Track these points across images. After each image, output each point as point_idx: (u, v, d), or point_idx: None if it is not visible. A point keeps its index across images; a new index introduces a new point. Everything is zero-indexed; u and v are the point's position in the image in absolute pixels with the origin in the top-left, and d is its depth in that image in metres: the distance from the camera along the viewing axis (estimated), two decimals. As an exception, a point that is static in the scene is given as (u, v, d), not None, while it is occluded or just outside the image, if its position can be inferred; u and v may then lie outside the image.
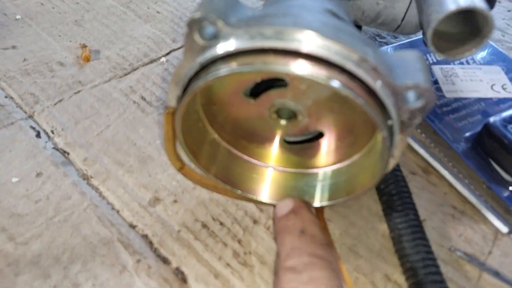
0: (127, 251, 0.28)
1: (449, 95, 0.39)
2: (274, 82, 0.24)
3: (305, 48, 0.19)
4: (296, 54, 0.19)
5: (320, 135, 0.27)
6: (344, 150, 0.27)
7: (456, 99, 0.39)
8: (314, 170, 0.28)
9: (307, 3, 0.25)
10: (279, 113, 0.26)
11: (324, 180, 0.27)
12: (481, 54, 0.44)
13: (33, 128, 0.34)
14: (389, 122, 0.21)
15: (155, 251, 0.28)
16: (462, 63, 0.43)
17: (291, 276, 0.20)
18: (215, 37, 0.20)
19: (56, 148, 0.33)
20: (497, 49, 0.44)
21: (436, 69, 0.42)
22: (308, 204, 0.26)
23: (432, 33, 0.23)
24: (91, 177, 0.32)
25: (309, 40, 0.19)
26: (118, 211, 0.30)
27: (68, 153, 0.33)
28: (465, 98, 0.39)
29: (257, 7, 0.26)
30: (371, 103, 0.20)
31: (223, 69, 0.19)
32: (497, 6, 0.54)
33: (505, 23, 0.52)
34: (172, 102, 0.23)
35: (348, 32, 0.20)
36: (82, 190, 0.31)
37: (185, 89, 0.22)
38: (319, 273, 0.20)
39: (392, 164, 0.25)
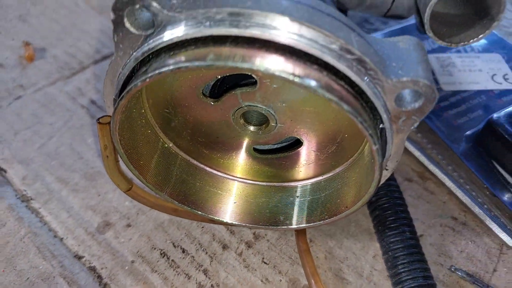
0: (71, 287, 0.24)
1: (446, 87, 0.36)
2: (240, 80, 0.20)
3: (272, 37, 0.15)
4: (261, 44, 0.15)
5: (298, 143, 0.23)
6: (326, 161, 0.23)
7: (455, 92, 0.36)
8: (291, 184, 0.24)
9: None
10: (247, 118, 0.22)
11: (302, 196, 0.24)
12: (482, 41, 0.40)
13: (-35, 143, 0.31)
14: (381, 126, 0.17)
15: (104, 286, 0.24)
16: (459, 51, 0.39)
17: None
18: (153, 25, 0.16)
19: (-10, 166, 0.29)
20: (496, 35, 0.41)
21: (432, 58, 0.38)
22: None
23: (430, 14, 0.20)
24: (31, 198, 0.28)
25: (277, 26, 0.15)
26: (61, 239, 0.26)
27: (5, 171, 0.29)
28: (464, 91, 0.36)
29: None
30: (356, 106, 0.16)
31: (165, 67, 0.16)
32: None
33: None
34: (110, 109, 0.20)
35: (327, 13, 0.16)
36: (20, 215, 0.27)
37: (121, 91, 0.18)
38: None
39: (385, 176, 0.22)
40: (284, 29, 0.15)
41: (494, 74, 0.38)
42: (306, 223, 0.23)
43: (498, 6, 0.19)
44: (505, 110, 0.31)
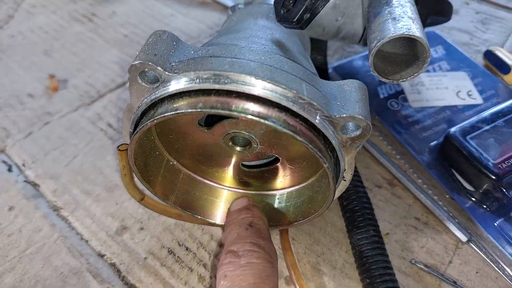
0: (96, 280, 0.30)
1: (414, 105, 0.41)
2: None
3: (243, 90, 0.21)
4: (236, 95, 0.21)
5: (276, 160, 0.29)
6: (299, 173, 0.29)
7: (422, 109, 0.41)
8: (272, 192, 0.30)
9: (255, 33, 0.28)
10: (234, 141, 0.28)
11: (280, 203, 0.29)
12: (447, 61, 0.46)
13: (5, 163, 0.37)
14: (334, 148, 0.23)
15: (123, 279, 0.30)
16: (428, 71, 0.45)
17: (231, 259, 0.23)
18: (157, 81, 0.22)
19: (27, 181, 0.36)
20: (463, 54, 0.47)
21: (402, 79, 0.44)
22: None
23: (373, 59, 0.25)
24: (61, 208, 0.34)
25: (247, 82, 0.21)
26: (86, 241, 0.32)
27: (38, 186, 0.35)
28: (431, 107, 0.41)
29: (206, 42, 0.28)
30: (309, 136, 0.22)
31: (167, 113, 0.21)
32: (465, 8, 0.57)
33: (473, 26, 0.54)
34: (126, 138, 0.26)
35: (286, 69, 0.22)
36: (52, 222, 0.33)
37: (135, 127, 0.24)
38: (257, 261, 0.23)
39: (345, 185, 0.27)
40: (252, 84, 0.20)
41: (459, 91, 0.43)
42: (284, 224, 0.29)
43: (426, 53, 0.24)
44: (461, 125, 0.36)
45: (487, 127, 0.36)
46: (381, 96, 0.42)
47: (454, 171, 0.36)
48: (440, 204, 0.35)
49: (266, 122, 0.20)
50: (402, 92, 0.43)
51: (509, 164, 0.33)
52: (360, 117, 0.22)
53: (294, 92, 0.21)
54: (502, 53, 0.46)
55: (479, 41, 0.52)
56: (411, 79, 0.25)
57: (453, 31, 0.53)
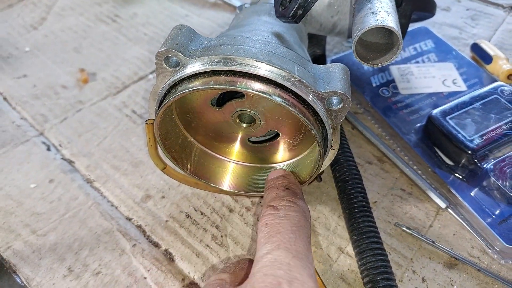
0: (125, 238, 0.35)
1: (404, 92, 0.46)
2: (234, 94, 0.31)
3: (247, 70, 0.26)
4: (240, 74, 0.26)
5: (277, 135, 0.34)
6: (296, 147, 0.34)
7: (410, 95, 0.46)
8: (273, 165, 0.35)
9: (258, 27, 0.33)
10: (241, 118, 0.33)
11: (281, 172, 0.35)
12: (436, 53, 0.50)
13: (44, 143, 0.43)
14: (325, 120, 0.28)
15: (148, 237, 0.36)
16: (417, 62, 0.49)
17: (271, 211, 0.27)
18: (178, 64, 0.28)
19: (64, 159, 0.41)
20: (451, 47, 0.51)
21: (393, 69, 0.49)
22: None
23: (355, 47, 0.30)
24: (94, 180, 0.40)
25: (250, 64, 0.26)
26: (116, 207, 0.38)
27: (73, 162, 0.41)
28: (418, 94, 0.46)
29: (217, 35, 0.33)
30: (300, 107, 0.27)
31: (185, 90, 0.27)
32: (456, 5, 0.61)
33: (463, 21, 0.58)
34: (152, 115, 0.31)
35: (281, 54, 0.27)
36: (87, 191, 0.39)
37: (160, 104, 0.30)
38: (293, 213, 0.27)
39: (333, 154, 0.32)
40: (254, 66, 0.26)
41: (445, 80, 0.47)
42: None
43: (398, 41, 0.29)
44: (442, 108, 0.41)
45: (465, 109, 0.40)
46: (374, 85, 0.47)
47: (436, 149, 0.40)
48: (423, 177, 0.40)
49: (265, 95, 0.25)
50: (393, 81, 0.47)
51: (483, 140, 0.38)
52: (341, 91, 0.27)
53: (287, 72, 0.26)
54: (486, 45, 0.50)
55: (468, 35, 0.56)
56: (387, 63, 0.30)
57: (444, 26, 0.58)
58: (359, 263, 0.33)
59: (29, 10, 0.59)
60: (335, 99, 0.28)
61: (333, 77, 0.28)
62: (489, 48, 0.50)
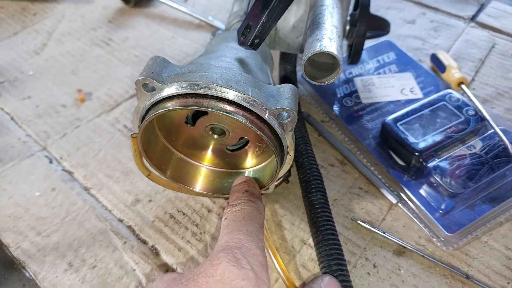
0: (117, 237, 0.41)
1: (365, 101, 0.52)
2: (202, 113, 0.37)
3: (208, 93, 0.32)
4: (203, 96, 0.32)
5: (246, 144, 0.40)
6: (261, 155, 0.40)
7: (371, 104, 0.51)
8: (241, 170, 0.41)
9: (224, 53, 0.39)
10: (213, 130, 0.39)
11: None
12: (396, 64, 0.56)
13: (47, 157, 0.49)
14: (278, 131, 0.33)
15: (137, 236, 0.42)
16: (379, 73, 0.55)
17: (230, 208, 0.34)
18: (154, 89, 0.34)
19: (64, 170, 0.48)
20: (411, 58, 0.57)
21: (357, 80, 0.54)
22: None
23: (304, 68, 0.36)
24: (90, 188, 0.46)
25: (211, 88, 0.32)
26: (110, 211, 0.44)
27: (73, 173, 0.47)
28: (378, 102, 0.51)
29: (185, 63, 0.39)
30: (255, 121, 0.33)
31: (159, 110, 0.33)
32: (421, 18, 0.67)
33: (426, 33, 0.64)
34: (136, 130, 0.37)
35: (239, 79, 0.33)
36: (84, 198, 0.45)
37: (141, 121, 0.36)
38: (248, 207, 0.33)
39: (290, 159, 0.38)
40: (214, 89, 0.32)
41: (403, 88, 0.53)
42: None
43: (338, 62, 0.35)
44: (395, 115, 0.47)
45: (415, 115, 0.46)
46: (339, 96, 0.53)
47: (390, 151, 0.46)
48: (379, 177, 0.45)
49: (223, 113, 0.31)
50: (356, 91, 0.53)
51: (428, 142, 0.43)
52: (288, 108, 0.32)
53: (242, 93, 0.32)
54: (442, 55, 0.56)
55: (430, 45, 0.62)
56: (332, 81, 0.36)
57: (409, 38, 0.63)
58: (317, 252, 0.38)
59: (32, 37, 0.65)
60: (284, 114, 0.33)
61: (283, 95, 0.34)
62: (444, 58, 0.55)
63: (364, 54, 0.58)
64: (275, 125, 0.34)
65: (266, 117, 0.33)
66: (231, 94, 0.32)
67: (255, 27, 0.35)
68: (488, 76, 0.57)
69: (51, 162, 0.48)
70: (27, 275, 0.39)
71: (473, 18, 0.67)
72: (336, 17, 0.40)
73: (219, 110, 0.31)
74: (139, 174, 0.46)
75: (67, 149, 0.50)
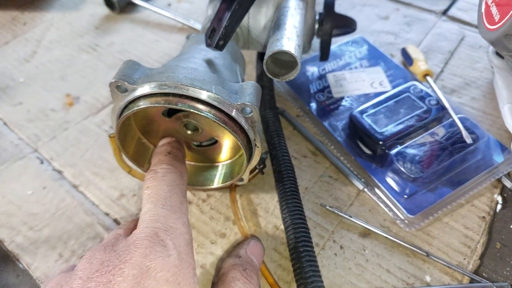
0: (103, 228, 0.45)
1: (336, 95, 0.55)
2: (177, 110, 0.40)
3: (174, 91, 0.35)
4: (171, 94, 0.36)
5: (214, 143, 0.43)
6: (232, 150, 0.43)
7: (342, 98, 0.55)
8: (215, 164, 0.44)
9: (194, 55, 0.42)
10: (187, 126, 0.43)
11: (221, 171, 0.44)
12: (368, 59, 0.59)
13: (38, 158, 0.53)
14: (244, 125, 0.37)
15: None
16: (351, 69, 0.58)
17: (152, 175, 0.35)
18: (127, 90, 0.37)
19: (54, 169, 0.51)
20: (381, 53, 0.60)
21: (329, 76, 0.58)
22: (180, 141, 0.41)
23: (266, 66, 0.39)
24: (78, 185, 0.49)
25: (177, 87, 0.35)
26: (97, 206, 0.47)
27: (62, 172, 0.51)
28: (349, 96, 0.55)
29: (157, 66, 0.43)
30: (221, 117, 0.36)
31: (132, 109, 0.36)
32: (395, 14, 0.70)
33: (399, 28, 0.67)
34: (114, 129, 0.41)
35: (203, 78, 0.36)
36: (72, 194, 0.48)
37: (117, 120, 0.39)
38: (170, 175, 0.35)
39: (259, 151, 0.41)
40: (180, 88, 0.35)
41: (373, 82, 0.56)
42: (221, 184, 0.43)
43: (296, 60, 0.38)
44: (361, 107, 0.50)
45: (380, 107, 0.49)
46: (312, 91, 0.56)
47: (358, 141, 0.49)
48: (348, 166, 0.48)
49: (189, 109, 0.35)
50: (328, 87, 0.56)
51: (391, 132, 0.47)
52: (249, 103, 0.36)
53: (206, 90, 0.35)
54: (410, 49, 0.59)
55: (402, 40, 0.65)
56: (292, 78, 0.39)
57: (382, 33, 0.67)
58: (286, 235, 0.42)
59: (22, 46, 0.69)
60: (247, 109, 0.37)
61: (245, 92, 0.37)
62: (412, 51, 0.58)
63: (337, 51, 0.61)
64: (242, 121, 0.37)
65: (233, 114, 0.36)
66: (195, 92, 0.35)
67: (219, 30, 0.39)
68: (456, 67, 0.60)
69: (42, 162, 0.52)
70: (21, 266, 0.43)
71: (445, 12, 0.70)
72: (298, 18, 0.44)
73: (186, 107, 0.35)
74: (123, 171, 0.49)
75: (57, 150, 0.53)
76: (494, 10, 0.42)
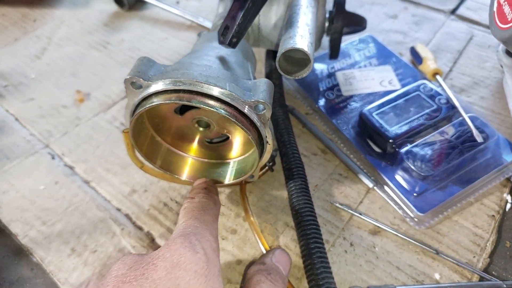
0: (115, 224, 0.45)
1: (346, 93, 0.55)
2: (189, 106, 0.41)
3: (190, 88, 0.35)
4: (184, 91, 0.36)
5: (227, 138, 0.43)
6: (244, 147, 0.43)
7: (352, 96, 0.55)
8: (227, 161, 0.45)
9: (207, 52, 0.42)
10: (199, 123, 0.43)
11: (233, 167, 0.44)
12: (377, 58, 0.59)
13: (50, 154, 0.53)
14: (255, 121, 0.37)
15: (134, 223, 0.46)
16: (360, 67, 0.58)
17: (189, 199, 0.37)
18: (141, 87, 0.37)
19: (66, 165, 0.52)
20: (391, 51, 0.60)
21: (339, 74, 0.58)
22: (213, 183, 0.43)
23: (278, 64, 0.39)
24: (90, 181, 0.50)
25: (192, 84, 0.36)
26: (109, 201, 0.48)
27: (74, 167, 0.51)
28: (358, 94, 0.55)
29: (171, 63, 0.43)
30: (234, 113, 0.36)
31: (146, 105, 0.36)
32: (403, 13, 0.70)
33: (408, 27, 0.67)
34: (127, 125, 0.41)
35: (217, 75, 0.37)
36: (85, 190, 0.49)
37: (131, 116, 0.39)
38: (205, 200, 0.37)
39: (270, 148, 0.41)
40: (195, 84, 0.35)
41: (382, 80, 0.56)
42: (233, 180, 0.43)
43: (308, 57, 0.38)
44: (371, 106, 0.50)
45: (390, 105, 0.49)
46: (321, 89, 0.56)
47: (368, 140, 0.49)
48: (358, 164, 0.49)
49: (204, 106, 0.35)
50: (337, 85, 0.56)
51: (401, 130, 0.47)
52: (263, 100, 0.36)
53: (220, 87, 0.35)
54: (420, 48, 0.59)
55: (411, 39, 0.65)
56: (305, 75, 0.40)
57: (391, 32, 0.67)
58: (297, 232, 0.42)
59: (33, 42, 0.70)
60: (260, 106, 0.37)
61: (258, 89, 0.37)
62: (422, 50, 0.58)
63: (346, 49, 0.61)
64: (254, 118, 0.37)
65: (245, 110, 0.36)
66: (209, 89, 0.35)
67: (233, 28, 0.39)
68: (465, 67, 0.60)
69: (53, 158, 0.53)
70: (34, 260, 0.43)
71: (453, 12, 0.70)
72: (310, 16, 0.44)
73: (200, 103, 0.35)
74: (135, 167, 0.50)
75: (69, 146, 0.54)
76: (507, 8, 0.41)
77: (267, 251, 0.41)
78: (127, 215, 0.46)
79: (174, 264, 0.29)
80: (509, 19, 0.40)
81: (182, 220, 0.35)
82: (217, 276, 0.30)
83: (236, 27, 0.39)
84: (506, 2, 0.42)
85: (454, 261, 0.40)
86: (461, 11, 0.69)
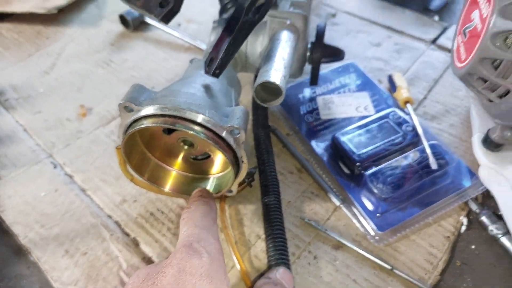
0: (106, 230, 0.50)
1: (324, 117, 0.60)
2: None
3: (174, 114, 0.40)
4: (169, 116, 0.41)
5: (207, 157, 0.48)
6: (223, 164, 0.48)
7: (329, 120, 0.59)
8: (208, 176, 0.49)
9: (194, 80, 0.47)
10: (184, 142, 0.48)
11: (212, 182, 0.49)
12: (356, 84, 0.64)
13: (52, 163, 0.59)
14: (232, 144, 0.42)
15: (122, 229, 0.50)
16: (339, 93, 0.63)
17: (186, 209, 0.41)
18: (133, 111, 0.43)
19: (66, 174, 0.57)
20: (369, 79, 0.65)
21: (319, 99, 0.62)
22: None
23: (255, 93, 0.44)
24: (87, 190, 0.55)
25: (176, 110, 0.41)
26: (102, 209, 0.53)
27: (73, 176, 0.57)
28: (335, 119, 0.59)
29: (161, 89, 0.48)
30: (212, 137, 0.41)
31: (136, 127, 0.42)
32: (387, 41, 0.74)
33: (389, 55, 0.71)
34: (121, 142, 0.46)
35: (199, 103, 0.42)
36: (81, 198, 0.54)
37: (123, 135, 0.44)
38: (201, 206, 0.41)
39: (246, 166, 0.46)
40: (178, 110, 0.40)
41: (358, 106, 0.61)
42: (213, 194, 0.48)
43: (280, 89, 0.43)
44: (344, 130, 0.54)
45: (361, 130, 0.54)
46: (301, 113, 0.61)
47: (339, 162, 0.54)
48: (329, 183, 0.53)
49: (185, 130, 0.40)
50: (317, 109, 0.61)
51: (368, 154, 0.51)
52: (237, 126, 0.41)
53: (201, 113, 0.40)
54: (396, 77, 0.63)
55: (391, 67, 0.69)
56: (278, 103, 0.44)
57: (373, 59, 0.71)
58: (266, 244, 0.46)
59: (43, 59, 0.76)
60: (235, 130, 0.42)
61: (235, 116, 0.42)
62: (397, 78, 0.63)
63: (329, 75, 0.66)
64: (231, 141, 0.42)
65: (223, 134, 0.41)
66: (191, 115, 0.40)
67: (216, 60, 0.44)
68: (439, 95, 0.64)
69: (55, 167, 0.58)
70: (32, 259, 0.48)
71: (434, 41, 0.74)
72: (288, 50, 0.49)
73: (182, 127, 0.40)
74: (127, 179, 0.55)
75: (70, 157, 0.59)
76: (462, 49, 0.46)
77: (272, 268, 0.43)
78: (116, 222, 0.51)
79: (181, 269, 0.33)
80: (463, 59, 0.45)
81: (184, 229, 0.38)
82: (223, 276, 0.34)
83: (219, 60, 0.44)
84: (462, 43, 0.46)
85: (407, 277, 0.44)
86: (441, 41, 0.74)
